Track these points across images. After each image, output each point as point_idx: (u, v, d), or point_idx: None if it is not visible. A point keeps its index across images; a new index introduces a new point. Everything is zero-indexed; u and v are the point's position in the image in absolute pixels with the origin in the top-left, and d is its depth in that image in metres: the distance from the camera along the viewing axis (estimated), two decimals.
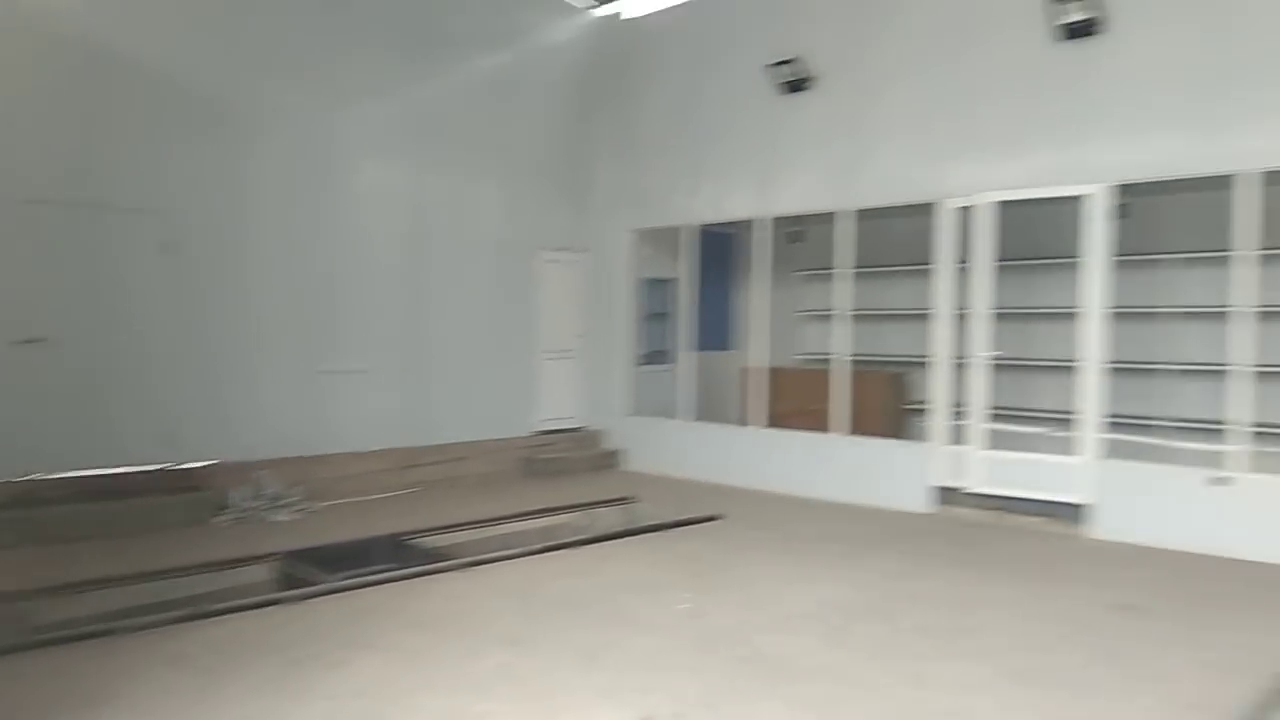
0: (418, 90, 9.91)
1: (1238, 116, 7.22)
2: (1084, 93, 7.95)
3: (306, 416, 8.99)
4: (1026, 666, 4.63)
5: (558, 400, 11.32)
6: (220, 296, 8.44)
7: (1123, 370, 8.26)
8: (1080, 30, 7.84)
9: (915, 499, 8.77)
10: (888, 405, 10.22)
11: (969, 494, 8.48)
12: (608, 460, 11.21)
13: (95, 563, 6.27)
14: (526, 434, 10.93)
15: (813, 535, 7.71)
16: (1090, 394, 7.88)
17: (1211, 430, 7.65)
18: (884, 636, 5.09)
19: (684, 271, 11.01)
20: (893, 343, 10.45)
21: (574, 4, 11.42)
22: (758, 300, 10.50)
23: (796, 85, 9.71)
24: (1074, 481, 7.89)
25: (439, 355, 10.11)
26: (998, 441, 8.46)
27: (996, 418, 8.53)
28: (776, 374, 10.45)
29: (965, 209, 8.56)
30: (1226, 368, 7.36)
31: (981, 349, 8.46)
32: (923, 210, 8.89)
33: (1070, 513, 7.89)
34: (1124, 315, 8.20)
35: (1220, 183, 7.29)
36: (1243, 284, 7.21)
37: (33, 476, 7.25)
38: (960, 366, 8.64)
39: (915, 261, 9.37)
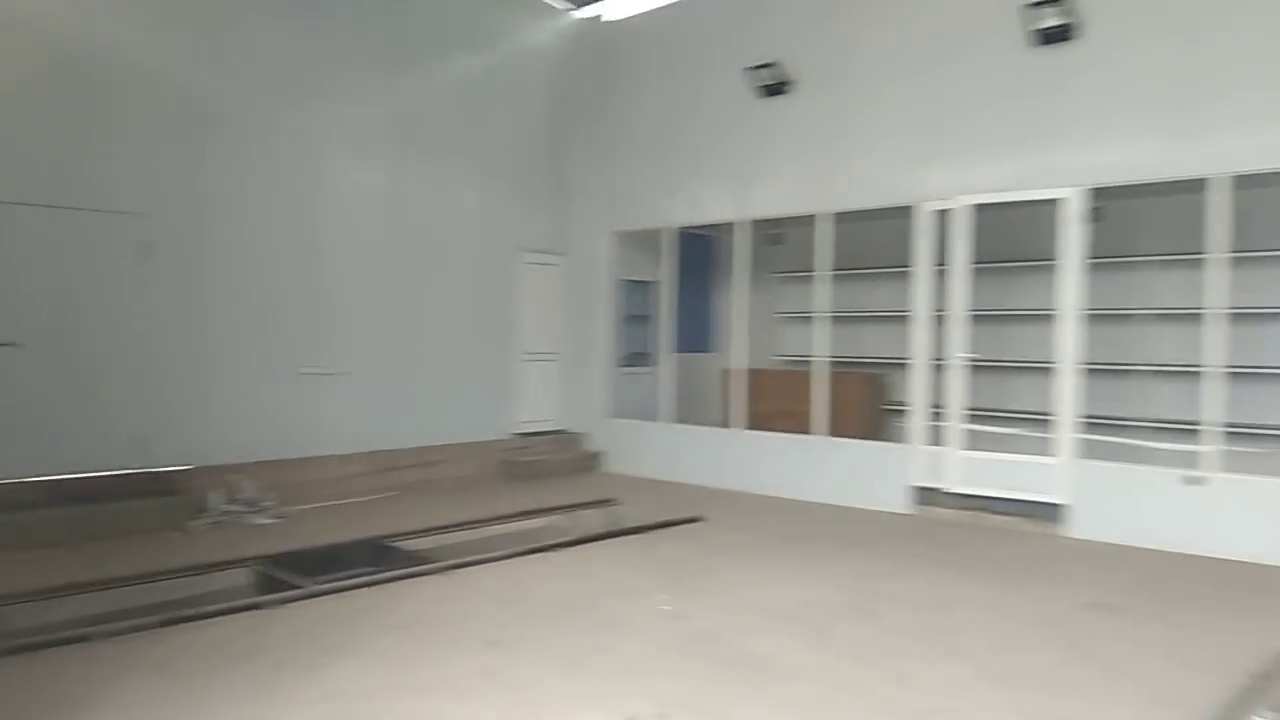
0: (397, 91, 9.87)
1: (1209, 121, 7.34)
2: (1059, 98, 8.04)
3: (284, 419, 8.92)
4: (1005, 666, 4.67)
5: (538, 403, 11.31)
6: (196, 298, 8.37)
7: (1098, 371, 8.36)
8: (1055, 36, 7.93)
9: (894, 499, 8.83)
10: (867, 406, 10.28)
11: (948, 494, 8.54)
12: (588, 462, 11.21)
13: (70, 567, 6.19)
14: (506, 437, 10.90)
15: (794, 536, 7.74)
16: (1066, 395, 7.97)
17: (1185, 430, 7.75)
18: (865, 637, 5.11)
19: (664, 274, 11.03)
20: (872, 344, 10.51)
21: (554, 5, 11.41)
22: (738, 302, 10.53)
23: (776, 89, 9.76)
24: (1051, 481, 7.97)
25: (418, 358, 10.07)
26: (976, 442, 8.53)
27: (974, 418, 8.60)
28: (756, 375, 10.48)
29: (943, 212, 8.63)
30: (1200, 369, 7.46)
31: (959, 350, 8.54)
32: (901, 213, 8.95)
33: (1047, 512, 7.97)
34: (1099, 317, 8.30)
35: (1193, 186, 7.40)
36: (1215, 286, 7.32)
37: (5, 480, 7.15)
38: (938, 368, 8.71)
39: (894, 264, 9.43)
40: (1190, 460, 7.43)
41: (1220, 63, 7.30)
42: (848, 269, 9.85)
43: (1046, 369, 8.20)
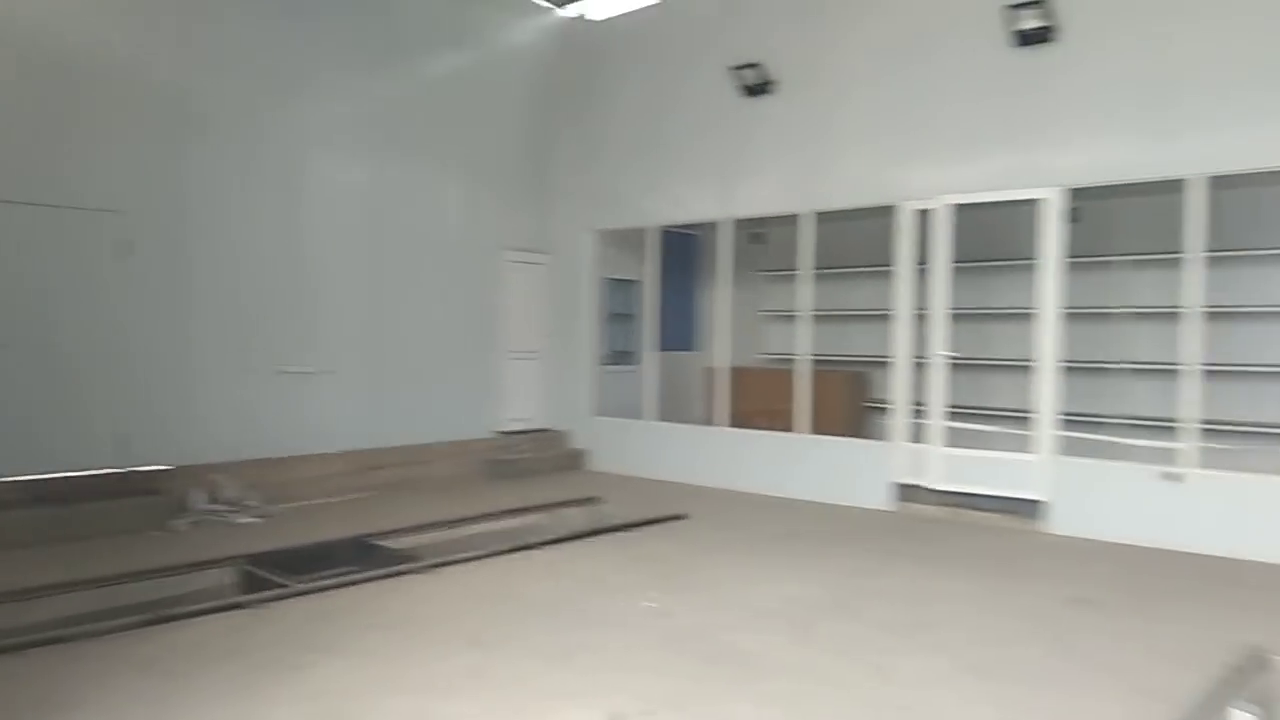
0: (379, 88, 9.85)
1: (1186, 123, 7.43)
2: (1039, 99, 8.12)
3: (266, 418, 8.88)
4: (986, 660, 4.73)
5: (522, 401, 11.31)
6: (178, 297, 8.32)
7: (1076, 369, 8.45)
8: (1035, 38, 8.01)
9: (876, 496, 8.89)
10: (849, 404, 10.35)
11: (929, 491, 8.62)
12: (572, 461, 11.22)
13: (52, 568, 6.14)
14: (490, 435, 10.90)
15: (777, 533, 7.79)
16: (1045, 392, 8.05)
17: (1162, 427, 7.85)
18: (848, 632, 5.16)
19: (648, 272, 11.06)
20: (854, 343, 10.58)
21: (538, 4, 11.40)
22: (721, 301, 10.57)
23: (759, 89, 9.80)
24: (1030, 478, 8.06)
25: (401, 356, 10.04)
26: (956, 439, 8.61)
27: (955, 416, 8.68)
28: (740, 374, 10.53)
29: (924, 212, 8.70)
30: (1176, 367, 7.56)
31: (940, 349, 8.61)
32: (883, 213, 9.02)
33: (1027, 508, 8.05)
34: (1077, 316, 8.40)
35: (1170, 187, 7.49)
36: (1191, 285, 7.42)
37: None
38: (920, 366, 8.78)
39: (875, 263, 9.50)
40: (1167, 457, 7.53)
41: (1196, 65, 7.40)
42: (830, 268, 9.91)
43: (1026, 367, 8.28)
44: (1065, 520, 7.84)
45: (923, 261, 8.73)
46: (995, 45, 8.23)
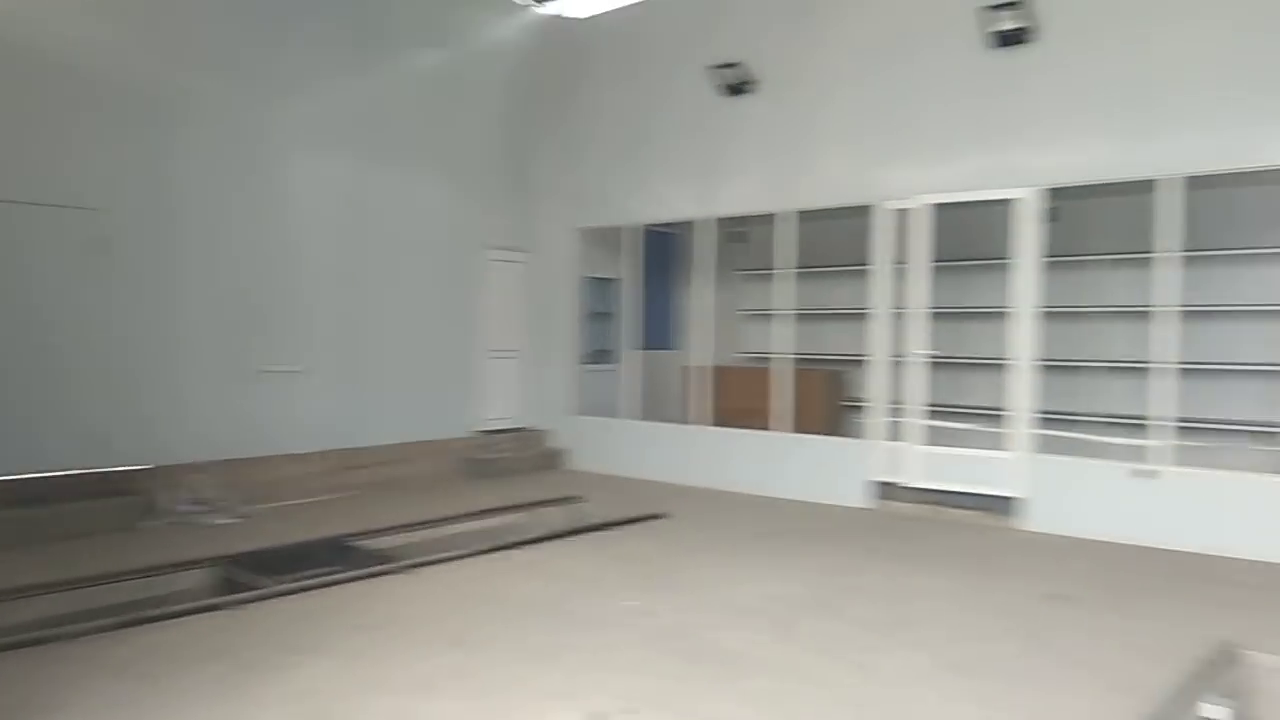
0: (356, 85, 9.78)
1: (1160, 124, 7.53)
2: (1016, 100, 8.20)
3: (241, 418, 8.80)
4: (965, 656, 4.77)
5: (501, 400, 11.28)
6: (150, 295, 8.22)
7: (1052, 367, 8.52)
8: (1012, 39, 8.08)
9: (855, 494, 8.95)
10: (828, 403, 10.39)
11: (907, 489, 8.68)
12: (551, 460, 11.21)
13: (29, 568, 6.06)
14: (469, 434, 10.87)
15: (757, 532, 7.82)
16: (1021, 391, 8.14)
17: (1136, 425, 7.95)
18: (829, 630, 5.19)
19: (627, 271, 11.06)
20: (832, 341, 10.63)
21: (518, 2, 11.36)
22: (700, 300, 10.60)
23: (739, 88, 9.83)
24: (1007, 475, 8.14)
25: (379, 355, 9.99)
26: (933, 437, 8.68)
27: (932, 414, 8.75)
28: (719, 372, 10.56)
29: (902, 211, 8.76)
30: (1150, 365, 7.66)
31: (918, 347, 8.67)
32: (861, 212, 9.07)
33: (1004, 506, 8.14)
34: (1053, 314, 8.47)
35: (1144, 187, 7.58)
36: (1165, 284, 7.52)
37: None
38: (897, 364, 8.84)
39: (854, 262, 9.55)
40: (1141, 454, 7.63)
41: (1171, 68, 7.49)
42: (809, 267, 9.96)
43: (1002, 365, 8.36)
44: (1041, 517, 7.93)
45: (901, 261, 8.79)
46: (974, 46, 8.29)
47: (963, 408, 9.32)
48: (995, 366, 8.63)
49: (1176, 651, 4.73)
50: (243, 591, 5.71)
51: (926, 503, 8.54)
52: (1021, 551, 7.31)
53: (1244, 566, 6.73)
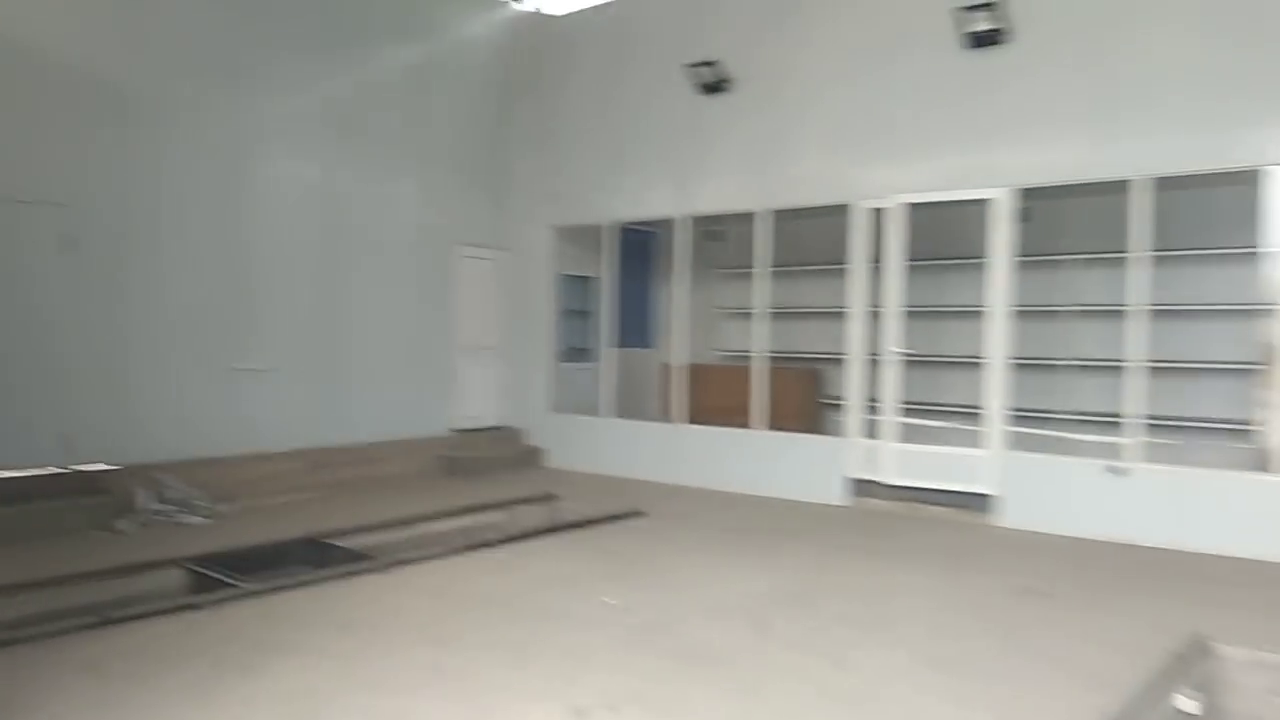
0: (332, 80, 9.70)
1: (1132, 125, 7.62)
2: (990, 101, 8.27)
3: (213, 416, 8.71)
4: (940, 651, 4.81)
5: (477, 398, 11.23)
6: (122, 293, 8.12)
7: (1026, 366, 8.61)
8: (986, 40, 8.15)
9: (832, 491, 8.99)
10: (805, 400, 10.44)
11: (883, 486, 8.74)
12: (529, 458, 11.18)
13: None
14: (445, 433, 10.81)
15: (734, 528, 7.84)
16: (996, 389, 8.21)
17: (1109, 423, 8.04)
18: (805, 626, 5.21)
19: (605, 269, 11.05)
20: (809, 339, 10.68)
21: None
22: (678, 297, 10.60)
23: (715, 86, 9.84)
24: (981, 473, 8.21)
25: (353, 352, 9.92)
26: (909, 435, 8.74)
27: (908, 412, 8.81)
28: (697, 370, 10.57)
29: (878, 210, 8.81)
30: (1122, 363, 7.75)
31: (893, 346, 8.73)
32: (837, 211, 9.12)
33: (978, 503, 8.20)
34: (1027, 313, 8.56)
35: (1116, 188, 7.67)
36: (1136, 284, 7.61)
37: None
38: (874, 362, 8.89)
39: (831, 261, 9.59)
40: (1113, 451, 7.72)
41: (1143, 70, 7.59)
42: (786, 266, 10.00)
43: (977, 364, 8.43)
44: (1015, 514, 8.00)
45: (877, 259, 8.84)
46: (949, 48, 8.36)
47: (938, 406, 9.39)
48: (970, 365, 8.69)
49: (1149, 646, 4.79)
50: (216, 591, 5.65)
51: (903, 500, 8.60)
52: (996, 548, 7.37)
53: (1214, 562, 6.83)
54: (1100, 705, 3.99)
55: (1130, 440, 7.59)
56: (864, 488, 8.86)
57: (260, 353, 9.07)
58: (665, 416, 10.67)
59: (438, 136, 10.82)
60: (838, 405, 9.50)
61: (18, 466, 7.35)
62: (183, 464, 8.21)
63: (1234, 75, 7.19)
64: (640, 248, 11.70)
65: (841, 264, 9.15)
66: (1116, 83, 7.68)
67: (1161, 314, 7.86)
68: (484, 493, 8.96)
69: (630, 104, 10.71)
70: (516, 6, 11.46)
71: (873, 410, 8.90)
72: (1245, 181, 7.24)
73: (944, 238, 9.13)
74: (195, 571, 6.25)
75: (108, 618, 5.02)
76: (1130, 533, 7.38)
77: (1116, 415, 7.80)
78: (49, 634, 4.79)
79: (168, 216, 8.41)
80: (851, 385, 9.04)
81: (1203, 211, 8.30)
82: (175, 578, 6.24)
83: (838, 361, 9.40)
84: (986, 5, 7.99)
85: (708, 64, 9.77)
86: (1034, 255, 8.52)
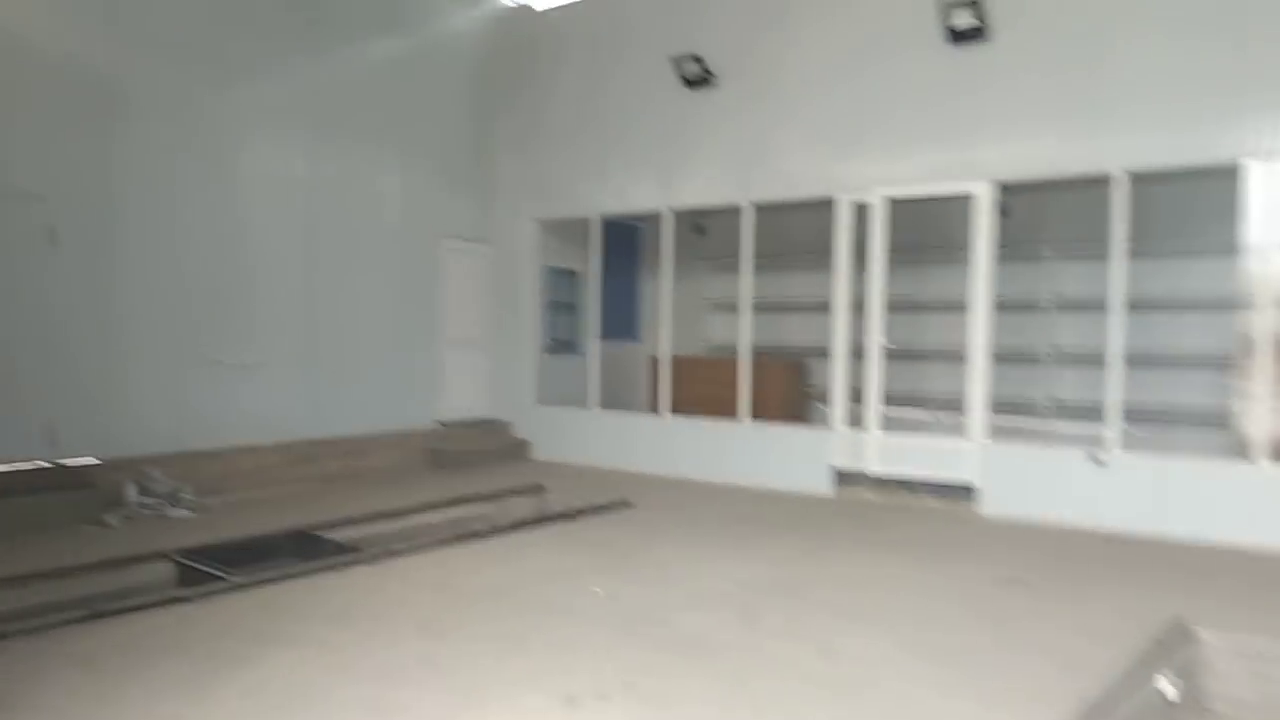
0: (316, 73, 9.67)
1: (1111, 120, 7.72)
2: (972, 96, 8.35)
3: (200, 410, 8.69)
4: (924, 638, 4.88)
5: (463, 391, 11.25)
6: (106, 286, 8.07)
7: (1007, 358, 8.72)
8: (967, 36, 8.22)
9: (817, 482, 9.08)
10: (789, 392, 10.53)
11: (867, 476, 8.83)
12: (515, 450, 11.20)
13: None
14: (431, 425, 10.82)
15: (721, 518, 7.90)
16: (977, 380, 8.30)
17: (1089, 413, 8.15)
18: (792, 614, 5.28)
19: (590, 262, 11.08)
20: (794, 332, 10.76)
21: None
22: (663, 291, 10.64)
23: (700, 80, 9.88)
24: (964, 463, 8.31)
25: (338, 345, 9.91)
26: (893, 426, 8.83)
27: (891, 403, 8.90)
28: (682, 363, 10.63)
29: (861, 204, 8.88)
30: (1102, 355, 7.86)
31: (877, 338, 8.81)
32: (821, 205, 9.18)
33: (961, 492, 8.31)
34: (1008, 306, 8.67)
35: (1096, 182, 7.78)
36: (1115, 278, 7.72)
37: None
38: (857, 355, 8.98)
39: (815, 254, 9.66)
40: (1094, 441, 7.84)
41: (1122, 66, 7.68)
42: (771, 259, 10.06)
43: (959, 356, 8.53)
44: (997, 503, 8.11)
45: (861, 253, 8.92)
46: (931, 43, 8.43)
47: (921, 397, 9.49)
48: (952, 357, 8.79)
49: (1129, 632, 4.88)
50: (205, 584, 5.65)
51: (887, 490, 8.70)
52: (979, 537, 7.47)
53: (1193, 549, 6.96)
54: (1083, 690, 4.07)
55: (1110, 430, 7.71)
56: (848, 478, 8.95)
57: (246, 346, 9.05)
58: (651, 409, 10.73)
59: (423, 130, 10.81)
60: (822, 397, 9.58)
61: (3, 461, 7.31)
62: (169, 457, 8.19)
63: (1212, 72, 7.30)
64: (626, 241, 11.74)
65: (825, 257, 9.21)
66: (1096, 79, 7.78)
67: (1140, 307, 7.99)
68: (471, 485, 8.98)
69: (616, 98, 10.73)
70: (503, 0, 11.44)
71: (856, 402, 8.98)
72: (1223, 176, 7.35)
73: (926, 232, 9.22)
74: (184, 565, 6.24)
75: (98, 611, 5.02)
76: (1111, 521, 7.50)
77: (1096, 405, 7.92)
78: (39, 628, 4.78)
79: (151, 209, 8.37)
80: (836, 377, 9.12)
81: (1181, 206, 8.42)
82: (164, 571, 6.22)
83: (822, 354, 9.48)
84: (969, 2, 8.06)
85: (693, 58, 9.80)
86: (1015, 249, 8.62)
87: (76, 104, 7.87)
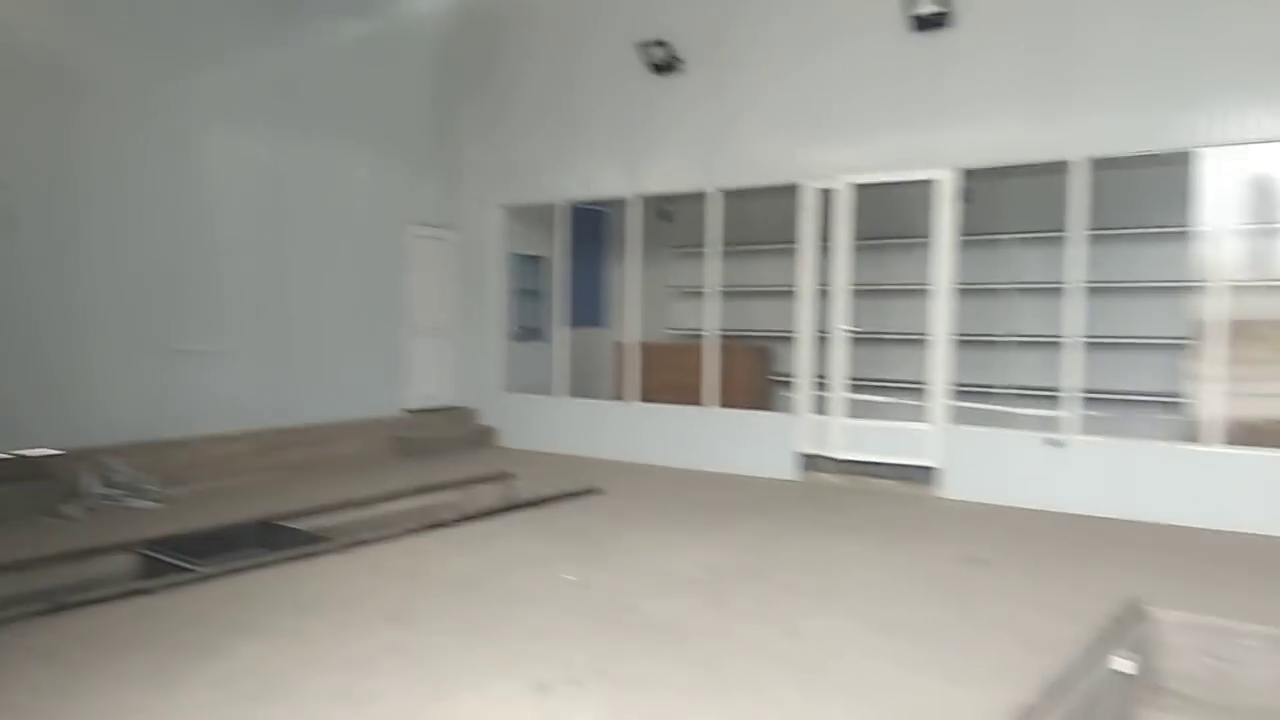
0: (275, 55, 9.53)
1: (1070, 108, 7.85)
2: (934, 83, 8.44)
3: (161, 399, 8.58)
4: (889, 618, 4.97)
5: (429, 378, 11.20)
6: (63, 273, 7.92)
7: (968, 342, 8.85)
8: (931, 23, 8.30)
9: (782, 466, 9.17)
10: (755, 378, 10.61)
11: (831, 460, 8.93)
12: (482, 437, 11.18)
13: None
14: (397, 413, 10.77)
15: (688, 504, 7.96)
16: (939, 365, 8.43)
17: (1047, 397, 8.31)
18: (760, 597, 5.35)
19: (557, 248, 11.05)
20: (759, 318, 10.82)
21: None
22: (630, 277, 10.66)
23: (666, 66, 9.87)
24: (926, 446, 8.44)
25: (303, 333, 9.81)
26: (857, 411, 8.94)
27: (855, 388, 9.01)
28: (649, 349, 10.66)
29: (825, 191, 8.94)
30: (1060, 339, 8.01)
31: (841, 323, 8.90)
32: (786, 191, 9.24)
33: (923, 475, 8.44)
34: (969, 291, 8.78)
35: (1054, 169, 7.90)
36: (1074, 262, 7.86)
37: None
38: (822, 340, 9.06)
39: (780, 240, 9.73)
40: (1051, 424, 8.00)
41: (1081, 54, 7.81)
42: (737, 245, 10.10)
43: (921, 340, 8.64)
44: (959, 486, 8.25)
45: (825, 239, 8.99)
46: (895, 31, 8.50)
47: (884, 381, 9.61)
48: (914, 341, 8.91)
49: (1087, 610, 5.01)
50: (169, 575, 5.60)
51: (851, 473, 8.81)
52: (941, 519, 7.60)
53: (1147, 529, 7.14)
54: (1043, 667, 4.18)
55: (1068, 413, 7.87)
56: (813, 462, 9.05)
57: (208, 334, 8.93)
58: (618, 395, 10.75)
59: (387, 115, 10.70)
60: (787, 382, 9.67)
61: None
62: (131, 447, 8.08)
63: (1168, 60, 7.44)
64: (592, 227, 11.72)
65: (790, 243, 9.28)
66: (1056, 66, 7.89)
67: (1097, 291, 8.15)
68: (439, 472, 8.97)
69: (582, 83, 10.69)
70: None
71: (821, 386, 9.08)
72: (1176, 163, 7.51)
73: (890, 218, 9.31)
74: (148, 556, 6.19)
75: (60, 604, 4.95)
76: (1068, 502, 7.67)
77: (1054, 389, 8.08)
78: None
79: (114, 195, 8.22)
80: (801, 362, 9.20)
81: (1136, 192, 8.58)
82: (127, 563, 6.17)
83: (787, 339, 9.55)
84: None
85: (659, 43, 9.79)
86: (976, 234, 8.74)
87: (36, 90, 7.70)
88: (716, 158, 9.73)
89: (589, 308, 11.80)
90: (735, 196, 9.75)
